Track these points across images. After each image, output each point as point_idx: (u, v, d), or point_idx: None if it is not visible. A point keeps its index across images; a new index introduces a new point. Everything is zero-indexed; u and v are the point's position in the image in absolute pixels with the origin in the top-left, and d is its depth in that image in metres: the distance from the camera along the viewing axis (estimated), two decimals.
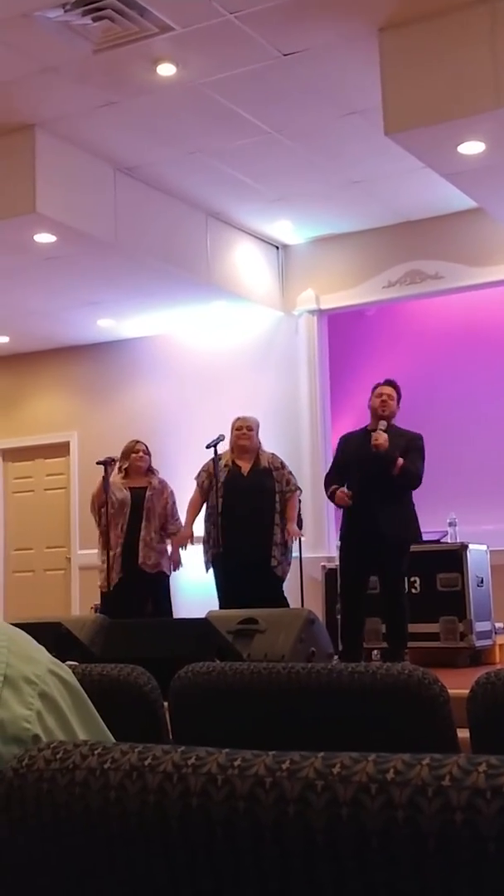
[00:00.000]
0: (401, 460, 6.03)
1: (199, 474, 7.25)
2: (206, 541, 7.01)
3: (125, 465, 7.60)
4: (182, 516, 7.41)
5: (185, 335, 9.63)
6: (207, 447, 7.71)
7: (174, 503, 7.56)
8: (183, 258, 8.31)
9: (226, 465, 7.17)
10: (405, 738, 1.79)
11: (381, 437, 6.06)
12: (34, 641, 1.05)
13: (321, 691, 1.86)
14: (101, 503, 7.47)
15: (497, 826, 0.67)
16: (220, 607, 6.59)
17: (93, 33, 5.81)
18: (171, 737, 2.01)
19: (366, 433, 6.23)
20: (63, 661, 1.11)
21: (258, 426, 7.27)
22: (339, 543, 6.42)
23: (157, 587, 7.43)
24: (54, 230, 7.24)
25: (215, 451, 7.50)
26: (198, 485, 7.23)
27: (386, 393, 6.27)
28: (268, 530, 6.84)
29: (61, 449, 10.24)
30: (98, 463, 8.19)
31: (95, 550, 7.94)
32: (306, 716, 1.91)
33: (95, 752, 0.77)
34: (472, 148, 6.09)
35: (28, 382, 10.41)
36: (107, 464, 7.92)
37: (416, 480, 6.09)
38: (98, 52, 6.01)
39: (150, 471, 7.64)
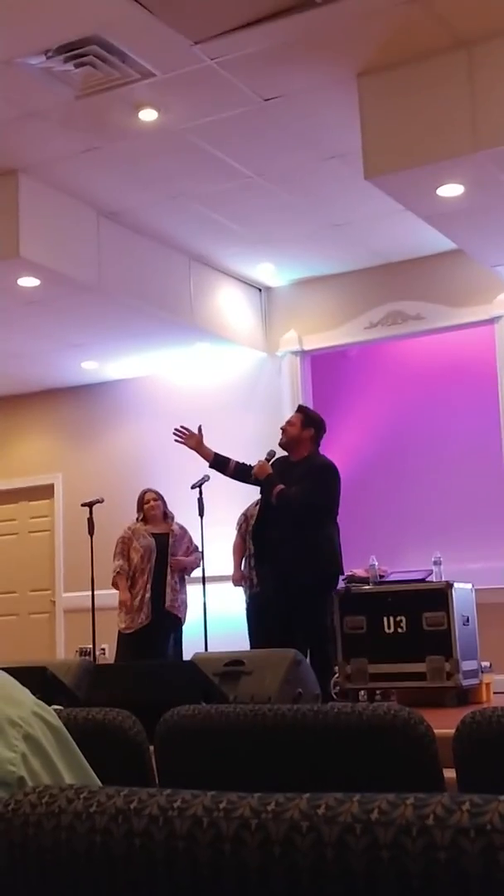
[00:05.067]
0: (279, 486, 5.97)
1: (238, 518, 7.54)
2: (247, 580, 7.36)
3: (142, 516, 7.83)
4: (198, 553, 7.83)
5: (170, 377, 9.66)
6: (193, 487, 7.73)
7: (193, 544, 7.83)
8: (166, 301, 8.36)
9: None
10: (392, 779, 1.79)
11: (257, 466, 6.07)
12: (18, 683, 1.05)
13: (307, 732, 1.85)
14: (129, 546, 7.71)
15: (481, 864, 0.67)
16: (251, 646, 6.67)
17: (75, 79, 5.87)
18: (156, 780, 2.00)
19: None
20: (48, 706, 1.11)
21: None
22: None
23: (178, 628, 7.68)
24: (38, 274, 7.28)
25: (200, 491, 7.58)
26: (237, 529, 7.49)
27: (288, 420, 6.29)
28: None
29: (46, 491, 10.21)
30: (83, 505, 8.22)
31: (85, 593, 8.02)
32: (293, 757, 1.90)
33: (81, 795, 0.77)
34: (450, 190, 6.16)
35: (12, 425, 10.40)
36: (91, 505, 8.05)
37: (294, 504, 5.98)
38: (80, 98, 6.07)
39: (168, 516, 7.86)
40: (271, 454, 6.23)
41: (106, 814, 0.75)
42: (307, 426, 6.23)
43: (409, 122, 5.85)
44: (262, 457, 6.41)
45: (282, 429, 6.25)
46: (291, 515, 5.94)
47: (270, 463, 6.28)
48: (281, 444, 6.21)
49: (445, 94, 5.77)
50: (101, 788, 0.78)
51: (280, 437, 6.26)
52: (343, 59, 5.80)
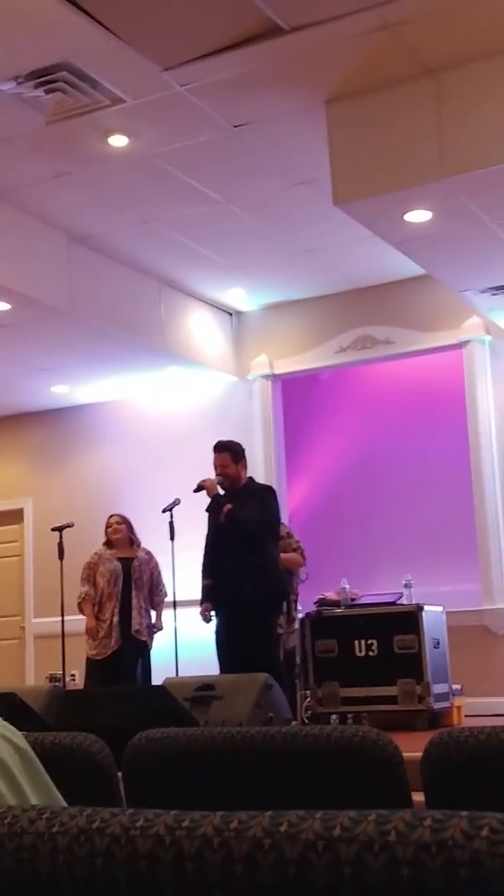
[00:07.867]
0: (228, 506, 6.17)
1: None
2: None
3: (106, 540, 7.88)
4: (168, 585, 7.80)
5: (140, 401, 9.65)
6: (164, 511, 7.72)
7: (159, 573, 7.86)
8: (137, 325, 8.36)
9: None
10: (360, 801, 1.79)
11: (208, 481, 6.28)
12: None
13: (276, 755, 1.85)
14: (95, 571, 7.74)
15: (443, 880, 0.67)
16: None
17: (45, 105, 5.88)
18: (124, 805, 1.99)
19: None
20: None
21: None
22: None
23: (145, 653, 7.69)
24: (7, 298, 7.27)
25: (171, 515, 7.57)
26: None
27: (219, 463, 6.45)
28: None
29: (15, 516, 10.16)
30: (53, 529, 8.18)
31: (55, 619, 7.98)
32: (262, 780, 1.89)
33: (43, 816, 0.77)
34: (418, 216, 6.21)
35: None
36: (61, 530, 8.04)
37: (247, 525, 6.18)
38: (51, 124, 6.09)
39: (134, 542, 7.87)
40: (219, 480, 6.39)
41: (68, 834, 0.75)
42: (237, 460, 6.48)
43: (377, 149, 5.90)
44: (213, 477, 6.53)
45: (218, 475, 6.40)
46: (241, 535, 6.09)
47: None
48: (225, 488, 6.38)
49: (413, 121, 5.82)
50: (64, 808, 0.78)
51: (219, 480, 6.40)
52: (311, 87, 5.85)
